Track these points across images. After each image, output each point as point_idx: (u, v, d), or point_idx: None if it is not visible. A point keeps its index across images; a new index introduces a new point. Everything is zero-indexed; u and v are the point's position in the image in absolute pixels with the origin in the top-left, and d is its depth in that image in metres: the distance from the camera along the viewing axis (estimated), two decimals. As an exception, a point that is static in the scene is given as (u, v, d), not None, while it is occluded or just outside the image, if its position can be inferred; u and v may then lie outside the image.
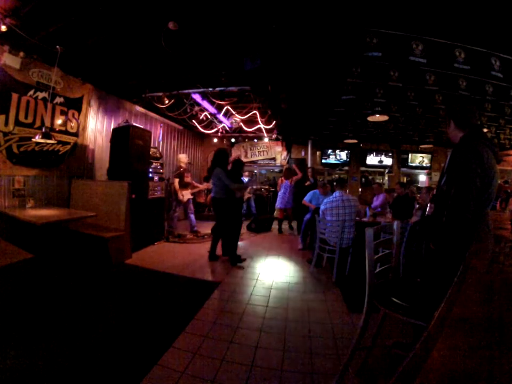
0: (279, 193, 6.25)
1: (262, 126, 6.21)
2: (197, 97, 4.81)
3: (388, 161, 9.16)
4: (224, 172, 3.79)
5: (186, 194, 5.32)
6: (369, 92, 4.10)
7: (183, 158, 5.54)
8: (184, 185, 5.34)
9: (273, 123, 6.29)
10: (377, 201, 5.25)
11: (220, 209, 3.89)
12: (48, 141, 3.36)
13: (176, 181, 5.20)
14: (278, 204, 6.28)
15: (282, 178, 6.33)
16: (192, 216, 5.49)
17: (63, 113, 3.99)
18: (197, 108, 5.40)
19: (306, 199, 4.87)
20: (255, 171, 9.50)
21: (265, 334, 2.18)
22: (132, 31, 2.97)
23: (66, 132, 4.06)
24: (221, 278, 3.36)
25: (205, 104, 5.13)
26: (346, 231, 3.46)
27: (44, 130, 3.24)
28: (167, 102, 4.94)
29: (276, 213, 7.85)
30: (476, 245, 1.16)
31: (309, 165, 8.47)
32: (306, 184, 6.10)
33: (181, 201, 5.25)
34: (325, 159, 8.97)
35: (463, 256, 1.01)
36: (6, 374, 1.59)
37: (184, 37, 3.03)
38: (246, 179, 7.56)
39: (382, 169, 9.44)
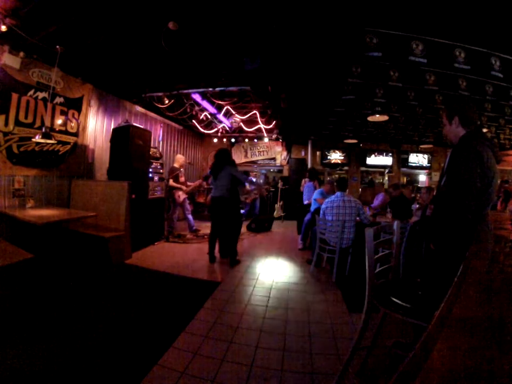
0: (304, 192, 6.21)
1: (262, 126, 6.21)
2: (197, 97, 4.82)
3: (387, 161, 9.17)
4: (238, 170, 3.88)
5: (182, 194, 5.33)
6: (369, 91, 4.10)
7: (180, 158, 5.54)
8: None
9: (273, 123, 6.29)
10: (377, 200, 5.24)
11: (224, 208, 3.84)
12: (48, 141, 3.36)
13: (171, 180, 5.21)
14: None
15: (306, 179, 6.28)
16: (190, 217, 5.49)
17: (63, 113, 3.99)
18: (197, 108, 5.40)
19: (316, 197, 4.86)
20: (255, 171, 9.48)
21: (265, 334, 2.18)
22: (132, 31, 2.97)
23: (66, 132, 4.06)
24: (221, 278, 3.36)
25: (205, 104, 5.14)
26: (346, 231, 3.46)
27: (44, 130, 3.24)
28: (167, 102, 4.94)
29: (275, 213, 7.86)
30: (475, 245, 1.16)
31: (309, 165, 8.47)
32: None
33: (176, 201, 5.25)
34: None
35: (463, 256, 1.01)
36: (6, 374, 1.59)
37: (184, 37, 3.03)
38: (254, 179, 7.54)
39: (382, 169, 9.45)
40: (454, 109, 1.63)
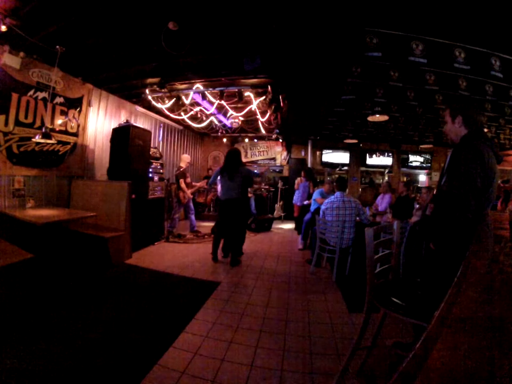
0: (297, 192, 6.22)
1: (261, 127, 6.21)
2: (197, 97, 4.81)
3: (387, 161, 9.16)
4: (246, 169, 3.98)
5: (187, 195, 5.33)
6: (369, 91, 4.10)
7: (186, 158, 5.55)
8: (186, 186, 5.35)
9: (274, 123, 6.29)
10: (383, 201, 5.19)
11: (237, 209, 3.89)
12: (48, 141, 3.36)
13: (182, 181, 5.20)
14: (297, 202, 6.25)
15: (302, 178, 6.29)
16: (193, 217, 5.50)
17: (63, 113, 3.99)
18: (197, 108, 5.40)
19: (316, 197, 4.86)
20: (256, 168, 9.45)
21: (265, 334, 2.18)
22: (132, 31, 2.97)
23: (66, 132, 4.06)
24: (221, 278, 3.36)
25: (205, 104, 5.13)
26: (346, 231, 3.46)
27: (44, 130, 3.24)
28: (167, 102, 4.94)
29: (275, 213, 7.86)
30: (475, 245, 1.16)
31: (309, 165, 8.47)
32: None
33: (182, 201, 5.24)
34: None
35: (463, 256, 1.01)
36: (6, 374, 1.59)
37: (184, 37, 3.03)
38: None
39: (382, 169, 9.45)
40: (459, 108, 1.63)
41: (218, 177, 4.03)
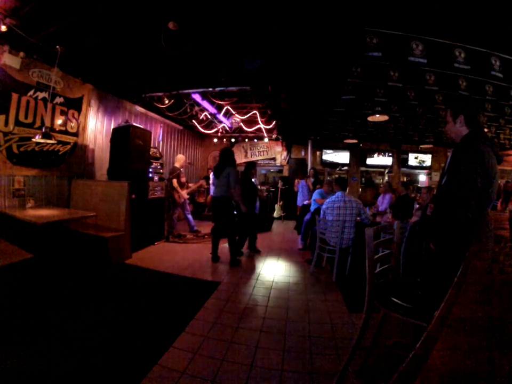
0: (298, 193, 6.23)
1: (262, 126, 6.22)
2: (197, 97, 4.82)
3: (387, 161, 9.16)
4: (236, 173, 3.85)
5: (182, 195, 5.33)
6: (369, 91, 4.10)
7: (181, 158, 5.54)
8: (180, 186, 5.34)
9: (273, 123, 6.30)
10: (383, 201, 5.18)
11: (224, 208, 3.86)
12: (48, 141, 3.36)
13: (175, 180, 5.21)
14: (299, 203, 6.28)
15: (299, 179, 6.30)
16: (190, 217, 5.49)
17: (63, 113, 3.99)
18: (197, 108, 5.40)
19: (315, 197, 4.86)
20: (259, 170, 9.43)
21: (265, 334, 2.18)
22: (132, 31, 2.97)
23: (66, 132, 4.06)
24: (221, 278, 3.36)
25: (205, 104, 5.14)
26: (347, 231, 3.45)
27: (44, 130, 3.24)
28: (167, 102, 4.94)
29: (275, 213, 7.86)
30: (475, 245, 1.16)
31: (309, 165, 8.46)
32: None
33: (177, 201, 5.24)
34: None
35: (463, 256, 1.01)
36: (6, 374, 1.59)
37: (184, 37, 3.03)
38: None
39: (382, 169, 9.44)
40: (461, 108, 1.63)
41: None
